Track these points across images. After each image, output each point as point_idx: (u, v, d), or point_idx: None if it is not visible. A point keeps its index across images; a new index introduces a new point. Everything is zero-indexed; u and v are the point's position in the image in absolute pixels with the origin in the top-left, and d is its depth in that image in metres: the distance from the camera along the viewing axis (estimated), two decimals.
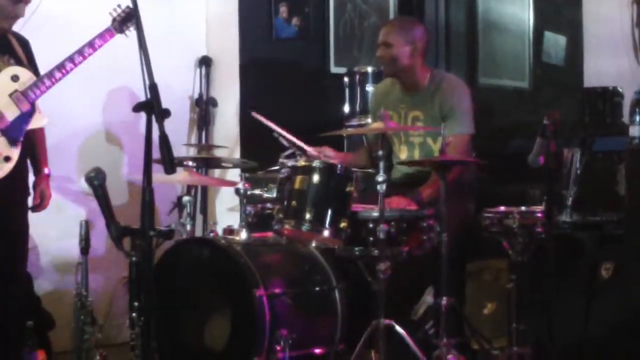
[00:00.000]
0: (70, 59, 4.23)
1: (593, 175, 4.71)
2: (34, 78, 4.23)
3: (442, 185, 4.07)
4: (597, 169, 4.84)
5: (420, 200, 4.39)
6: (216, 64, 5.90)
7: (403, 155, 4.81)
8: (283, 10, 6.02)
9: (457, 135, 4.57)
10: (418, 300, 4.33)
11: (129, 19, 4.32)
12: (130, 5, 4.31)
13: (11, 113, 4.16)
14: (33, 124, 4.26)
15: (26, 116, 4.21)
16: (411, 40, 4.72)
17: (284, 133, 4.61)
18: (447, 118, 4.61)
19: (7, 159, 4.14)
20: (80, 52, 4.24)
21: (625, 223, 4.32)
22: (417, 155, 4.77)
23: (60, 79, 4.22)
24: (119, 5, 4.33)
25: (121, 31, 4.33)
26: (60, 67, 4.22)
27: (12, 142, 4.18)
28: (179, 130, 5.65)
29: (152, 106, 3.03)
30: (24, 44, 4.34)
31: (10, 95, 4.16)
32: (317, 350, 4.23)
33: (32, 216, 4.72)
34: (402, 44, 4.71)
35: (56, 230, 5.14)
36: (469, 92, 4.79)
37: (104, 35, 4.30)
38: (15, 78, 4.19)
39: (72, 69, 4.23)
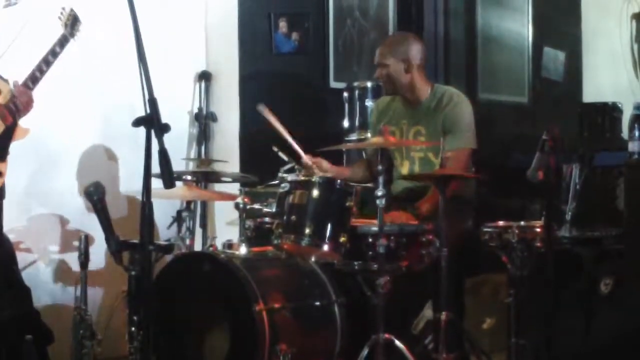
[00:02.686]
0: (39, 69, 4.19)
1: (592, 190, 4.70)
2: (12, 91, 4.15)
3: (442, 200, 4.08)
4: (596, 184, 4.85)
5: (419, 215, 4.39)
6: (216, 79, 5.90)
7: (404, 170, 4.81)
8: (283, 25, 6.04)
9: (457, 149, 4.59)
10: (417, 315, 4.33)
11: (75, 22, 4.31)
12: (73, 8, 4.31)
13: None
14: (17, 137, 4.21)
15: (10, 130, 4.15)
16: (404, 57, 4.74)
17: (284, 134, 4.57)
18: (449, 132, 4.63)
19: None
20: (45, 61, 4.21)
21: (624, 238, 4.31)
22: (417, 170, 4.77)
23: (33, 89, 4.18)
24: (63, 8, 4.30)
25: (72, 35, 4.31)
26: (32, 78, 4.17)
27: (1, 158, 4.15)
28: (178, 144, 5.64)
29: (151, 121, 3.02)
30: None
31: None
32: None
33: (31, 231, 4.73)
34: (396, 62, 4.73)
35: (55, 244, 5.14)
36: (471, 107, 4.80)
37: (62, 42, 4.27)
38: None
39: (41, 79, 4.19)
